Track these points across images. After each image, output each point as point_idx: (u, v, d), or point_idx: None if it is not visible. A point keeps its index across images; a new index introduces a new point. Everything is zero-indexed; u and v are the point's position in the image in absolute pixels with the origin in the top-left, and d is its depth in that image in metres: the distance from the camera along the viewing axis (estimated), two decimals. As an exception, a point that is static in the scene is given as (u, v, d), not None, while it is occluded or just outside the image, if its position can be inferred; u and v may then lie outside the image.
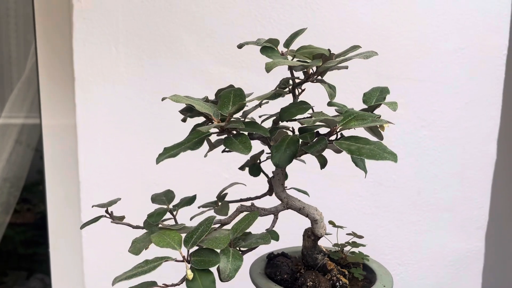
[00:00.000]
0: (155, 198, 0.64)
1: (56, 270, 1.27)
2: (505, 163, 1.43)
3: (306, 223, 0.68)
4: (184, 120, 0.63)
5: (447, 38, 1.22)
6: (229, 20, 1.14)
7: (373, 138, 0.54)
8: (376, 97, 0.61)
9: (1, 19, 1.64)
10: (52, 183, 1.23)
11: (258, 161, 0.69)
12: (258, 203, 0.65)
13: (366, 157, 0.50)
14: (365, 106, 0.61)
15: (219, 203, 0.64)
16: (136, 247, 0.52)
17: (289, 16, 1.16)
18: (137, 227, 0.61)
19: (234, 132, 0.54)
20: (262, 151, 0.69)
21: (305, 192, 0.69)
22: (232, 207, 0.63)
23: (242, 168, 0.70)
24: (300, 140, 0.55)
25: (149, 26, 1.13)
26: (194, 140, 0.52)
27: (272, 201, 0.66)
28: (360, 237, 0.71)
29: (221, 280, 0.49)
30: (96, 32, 1.12)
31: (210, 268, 0.48)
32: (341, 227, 0.70)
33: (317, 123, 0.55)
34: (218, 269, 0.49)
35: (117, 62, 1.13)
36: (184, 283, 0.48)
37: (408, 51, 1.21)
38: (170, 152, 0.52)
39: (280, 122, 0.62)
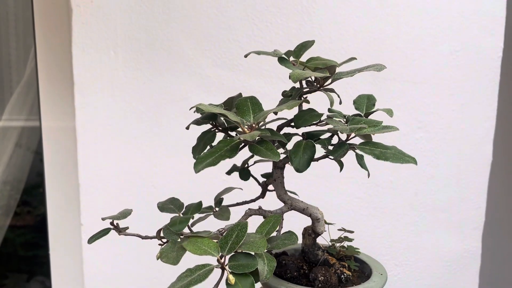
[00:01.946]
0: (163, 207, 0.63)
1: (56, 272, 1.28)
2: (501, 164, 1.44)
3: (300, 223, 0.69)
4: (187, 128, 0.65)
5: (443, 41, 1.23)
6: (226, 24, 1.16)
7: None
8: (365, 104, 0.65)
9: (1, 23, 1.65)
10: (52, 185, 1.24)
11: (247, 165, 0.71)
12: (254, 205, 0.66)
13: (392, 161, 0.54)
14: (358, 112, 0.64)
15: (216, 209, 0.65)
16: (171, 257, 0.51)
17: (286, 19, 1.17)
18: (146, 237, 0.61)
19: (259, 141, 0.56)
20: (252, 155, 0.70)
21: (294, 193, 0.71)
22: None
23: (229, 173, 0.71)
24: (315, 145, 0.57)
25: (147, 30, 1.14)
26: (227, 148, 0.53)
27: (265, 204, 0.67)
28: (351, 232, 0.74)
29: (257, 281, 0.50)
30: (95, 37, 1.13)
31: (251, 276, 0.49)
32: (331, 223, 0.73)
33: (320, 128, 0.59)
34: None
35: (116, 66, 1.14)
36: None
37: (404, 54, 1.22)
38: (206, 160, 0.52)
39: (285, 127, 0.64)
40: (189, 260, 0.52)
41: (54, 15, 1.17)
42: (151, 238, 0.60)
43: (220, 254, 0.50)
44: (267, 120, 0.65)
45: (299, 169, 0.55)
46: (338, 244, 0.73)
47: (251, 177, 0.70)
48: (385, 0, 1.19)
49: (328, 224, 0.73)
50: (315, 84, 0.63)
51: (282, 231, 0.64)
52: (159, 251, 0.53)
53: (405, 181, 1.27)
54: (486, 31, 1.24)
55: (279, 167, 0.64)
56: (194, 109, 0.60)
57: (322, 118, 0.61)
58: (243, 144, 0.56)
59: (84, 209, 1.18)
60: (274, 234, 0.59)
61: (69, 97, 1.18)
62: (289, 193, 0.66)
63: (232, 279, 0.48)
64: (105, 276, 1.21)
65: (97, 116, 1.16)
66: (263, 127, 0.59)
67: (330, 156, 0.59)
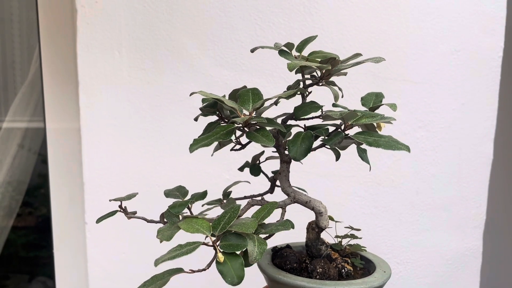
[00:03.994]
0: (168, 193, 0.66)
1: (60, 272, 1.28)
2: (501, 163, 1.45)
3: (305, 220, 0.70)
4: (196, 119, 0.67)
5: (443, 41, 1.24)
6: (229, 24, 1.17)
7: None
8: (372, 100, 0.66)
9: (5, 23, 1.66)
10: (56, 185, 1.25)
11: (258, 161, 0.73)
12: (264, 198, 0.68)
13: (384, 147, 0.55)
14: (365, 109, 0.65)
15: (224, 201, 0.67)
16: (165, 234, 0.54)
17: (288, 20, 1.18)
18: (152, 221, 0.64)
19: (256, 127, 0.58)
20: (262, 152, 0.72)
21: (303, 190, 0.72)
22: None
23: (241, 169, 0.73)
24: (314, 135, 0.59)
25: (151, 30, 1.15)
26: (223, 132, 0.56)
27: (273, 199, 0.68)
28: (357, 230, 0.74)
29: (247, 263, 0.51)
30: (100, 37, 1.14)
31: (241, 256, 0.51)
32: (339, 221, 0.74)
33: (325, 121, 0.61)
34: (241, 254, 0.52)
35: (120, 66, 1.15)
36: (208, 269, 0.51)
37: (405, 53, 1.23)
38: (202, 142, 0.55)
39: (289, 120, 0.66)
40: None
41: (59, 16, 1.18)
42: (156, 222, 0.63)
43: (212, 233, 0.52)
44: (273, 115, 0.67)
45: (296, 158, 0.57)
46: (344, 242, 0.73)
47: (262, 174, 0.72)
48: (386, 1, 1.21)
49: (336, 222, 0.73)
50: (318, 78, 0.65)
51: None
52: (157, 230, 0.56)
53: (406, 180, 1.28)
54: (487, 31, 1.25)
55: (285, 161, 0.66)
56: (194, 101, 0.61)
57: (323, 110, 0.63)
58: (242, 130, 0.58)
59: (88, 208, 1.18)
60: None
61: (73, 97, 1.19)
62: (295, 188, 0.67)
63: (221, 257, 0.50)
64: (109, 275, 1.22)
65: (102, 115, 1.17)
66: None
67: (326, 146, 0.60)
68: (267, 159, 0.73)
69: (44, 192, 1.70)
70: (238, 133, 0.62)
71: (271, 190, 0.69)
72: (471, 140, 1.29)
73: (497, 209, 1.51)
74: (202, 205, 0.66)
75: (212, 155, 0.67)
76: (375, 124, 0.62)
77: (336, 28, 1.19)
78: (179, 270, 0.52)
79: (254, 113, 0.59)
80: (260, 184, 0.74)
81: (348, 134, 0.60)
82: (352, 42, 1.20)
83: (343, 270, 0.65)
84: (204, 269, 0.52)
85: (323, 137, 0.60)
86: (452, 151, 1.29)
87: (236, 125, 0.56)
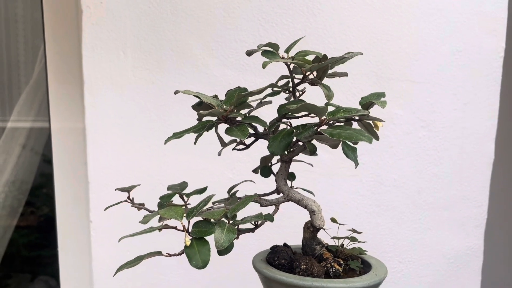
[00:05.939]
0: (170, 187, 0.71)
1: (64, 270, 1.29)
2: (503, 162, 1.46)
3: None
4: (199, 120, 0.68)
5: (445, 41, 1.25)
6: (233, 24, 1.17)
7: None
8: (373, 100, 0.66)
9: (10, 23, 1.66)
10: (61, 184, 1.25)
11: (270, 163, 0.73)
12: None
13: (344, 139, 0.56)
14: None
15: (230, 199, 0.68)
16: (146, 220, 0.59)
17: (291, 20, 1.18)
18: (154, 211, 0.66)
19: (238, 124, 0.61)
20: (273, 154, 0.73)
21: (311, 192, 0.72)
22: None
23: (255, 171, 0.74)
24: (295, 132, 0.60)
25: (156, 30, 1.16)
26: (199, 126, 0.60)
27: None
28: (359, 232, 0.75)
29: (217, 249, 0.54)
30: (105, 37, 1.15)
31: (209, 242, 0.54)
32: (342, 224, 0.74)
33: (310, 120, 0.60)
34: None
35: (125, 66, 1.16)
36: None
37: (407, 54, 1.24)
38: (177, 135, 0.60)
39: (282, 119, 0.67)
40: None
41: (64, 16, 1.19)
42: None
43: (188, 220, 0.56)
44: (272, 115, 0.67)
45: (275, 152, 0.59)
46: (346, 243, 0.73)
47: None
48: (388, 2, 1.21)
49: (339, 224, 0.74)
50: (302, 77, 0.66)
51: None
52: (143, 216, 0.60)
53: (408, 179, 1.28)
54: (488, 31, 1.26)
55: (284, 161, 0.67)
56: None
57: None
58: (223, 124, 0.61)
59: (93, 207, 1.19)
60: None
61: (78, 97, 1.19)
62: (304, 192, 0.67)
63: (188, 241, 0.53)
64: (113, 273, 1.23)
65: (106, 115, 1.17)
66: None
67: (299, 140, 0.61)
68: (278, 161, 0.73)
69: (47, 192, 1.71)
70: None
71: (277, 191, 0.70)
72: (472, 140, 1.30)
73: (498, 209, 1.51)
74: (214, 203, 0.67)
75: (219, 154, 0.68)
76: (372, 123, 0.63)
77: (339, 29, 1.20)
78: (158, 253, 0.57)
79: (246, 112, 0.60)
80: (266, 184, 0.75)
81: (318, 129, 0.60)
82: (355, 43, 1.21)
83: (331, 270, 0.65)
84: (179, 254, 0.55)
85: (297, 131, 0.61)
86: (454, 151, 1.29)
87: (214, 120, 0.59)
